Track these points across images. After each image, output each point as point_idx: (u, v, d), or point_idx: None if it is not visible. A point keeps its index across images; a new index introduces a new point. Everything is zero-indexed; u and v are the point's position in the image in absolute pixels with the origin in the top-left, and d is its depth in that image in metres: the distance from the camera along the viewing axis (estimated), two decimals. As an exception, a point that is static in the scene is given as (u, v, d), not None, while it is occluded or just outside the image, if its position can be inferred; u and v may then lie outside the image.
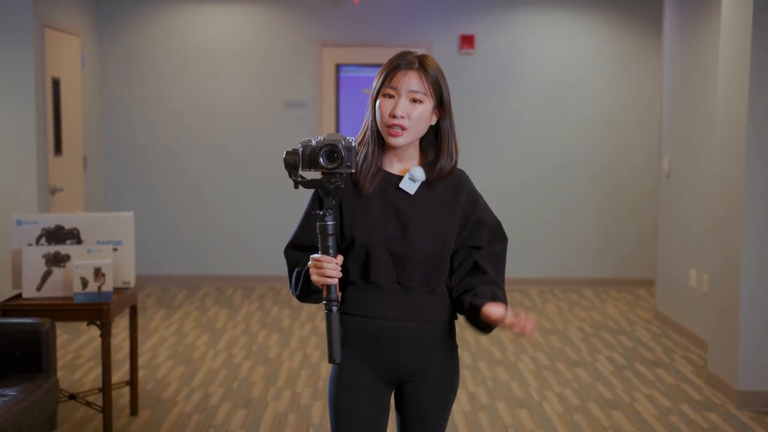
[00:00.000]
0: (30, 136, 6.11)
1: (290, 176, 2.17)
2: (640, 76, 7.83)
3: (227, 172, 7.78)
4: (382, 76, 2.27)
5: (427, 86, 2.25)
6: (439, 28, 7.77)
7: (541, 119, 7.82)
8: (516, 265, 7.82)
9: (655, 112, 7.69)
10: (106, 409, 3.99)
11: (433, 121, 2.29)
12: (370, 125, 2.29)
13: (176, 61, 7.74)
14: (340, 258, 2.16)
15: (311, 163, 2.15)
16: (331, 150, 2.13)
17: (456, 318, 2.36)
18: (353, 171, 2.16)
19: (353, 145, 2.14)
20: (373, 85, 2.30)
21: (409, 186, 2.27)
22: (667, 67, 6.54)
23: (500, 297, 2.28)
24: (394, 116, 2.22)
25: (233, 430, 4.25)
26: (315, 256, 2.15)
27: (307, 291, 2.26)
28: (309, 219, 2.30)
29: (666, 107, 6.54)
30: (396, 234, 2.24)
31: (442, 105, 2.29)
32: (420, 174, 2.26)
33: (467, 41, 7.75)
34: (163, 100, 7.75)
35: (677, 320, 6.20)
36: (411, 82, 2.23)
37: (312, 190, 2.27)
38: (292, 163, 2.16)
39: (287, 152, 2.16)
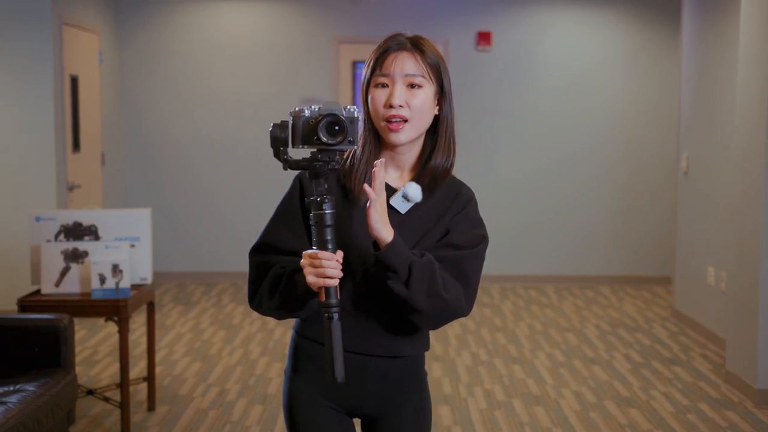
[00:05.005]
0: (48, 133, 6.16)
1: (277, 155, 1.76)
2: (657, 72, 7.79)
3: (244, 169, 7.80)
4: (371, 63, 1.92)
5: (425, 67, 1.90)
6: (455, 25, 7.75)
7: (557, 116, 7.79)
8: (532, 262, 7.81)
9: (671, 108, 7.65)
10: (124, 405, 4.01)
11: (436, 111, 1.94)
12: (365, 123, 1.93)
13: (193, 59, 7.76)
14: (340, 254, 1.76)
15: (306, 138, 1.74)
16: (333, 122, 1.73)
17: (428, 349, 2.04)
18: (356, 147, 1.78)
19: (356, 116, 1.75)
20: (363, 76, 1.95)
21: (401, 205, 1.92)
22: (685, 64, 6.49)
23: (418, 258, 1.83)
24: (391, 106, 1.87)
25: (250, 426, 4.27)
26: (310, 252, 1.75)
27: (290, 300, 1.84)
28: (285, 215, 1.92)
29: (684, 104, 6.50)
30: (373, 255, 1.85)
31: (442, 93, 1.94)
32: (415, 193, 1.90)
33: (484, 38, 7.73)
34: (180, 97, 7.78)
35: (695, 318, 6.17)
36: (405, 64, 1.89)
37: (290, 180, 1.91)
38: (282, 138, 1.76)
39: (275, 125, 1.76)
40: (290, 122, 1.76)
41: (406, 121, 1.88)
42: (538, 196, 7.82)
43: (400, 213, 1.92)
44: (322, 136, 1.72)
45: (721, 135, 5.77)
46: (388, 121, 1.88)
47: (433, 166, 1.93)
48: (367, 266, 1.88)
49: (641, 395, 4.77)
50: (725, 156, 5.64)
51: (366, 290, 1.91)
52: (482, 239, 1.95)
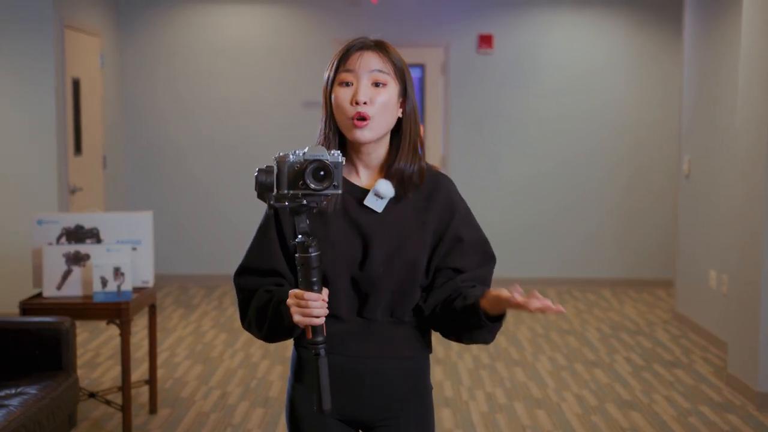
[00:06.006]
0: (50, 136, 6.16)
1: (262, 198, 1.79)
2: (658, 74, 7.79)
3: (246, 172, 7.81)
4: (335, 62, 1.93)
5: (389, 66, 1.91)
6: (457, 28, 7.76)
7: (558, 119, 7.80)
8: (534, 264, 7.81)
9: (673, 110, 7.65)
10: (126, 408, 4.01)
11: (400, 113, 1.94)
12: (327, 125, 1.94)
13: (194, 62, 7.77)
14: (325, 293, 1.80)
15: (292, 184, 1.75)
16: (319, 167, 1.74)
17: (431, 351, 2.05)
18: (340, 191, 1.76)
19: (340, 160, 1.76)
20: (325, 78, 1.95)
21: (376, 203, 1.92)
22: (686, 67, 6.50)
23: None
24: (356, 103, 1.87)
25: (251, 429, 4.27)
26: (296, 291, 1.78)
27: (279, 330, 1.89)
28: (264, 237, 1.96)
29: (685, 107, 6.50)
30: (358, 258, 1.91)
31: (405, 95, 1.94)
32: (387, 189, 1.91)
33: (485, 41, 7.73)
34: (181, 101, 7.79)
35: (696, 321, 6.17)
36: (370, 61, 1.90)
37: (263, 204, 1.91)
38: (268, 184, 1.77)
39: (260, 170, 1.78)
40: (275, 167, 1.77)
41: (369, 118, 1.88)
42: (540, 198, 7.82)
43: (378, 212, 1.93)
44: (309, 182, 1.73)
45: (722, 138, 5.77)
46: (353, 118, 1.88)
47: (397, 170, 1.93)
48: (347, 272, 1.91)
49: (643, 398, 4.76)
50: (727, 159, 5.64)
51: (356, 295, 1.93)
52: (489, 259, 2.01)
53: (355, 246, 1.91)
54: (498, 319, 1.87)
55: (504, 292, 1.77)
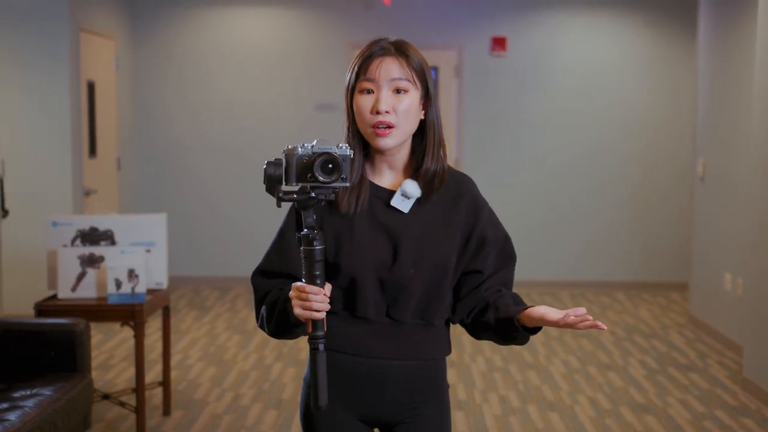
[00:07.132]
0: (65, 139, 6.19)
1: (270, 191, 1.79)
2: (669, 76, 7.76)
3: (259, 176, 7.81)
4: (355, 68, 1.91)
5: (410, 72, 1.90)
6: (470, 31, 7.75)
7: (570, 121, 7.78)
8: (548, 267, 7.79)
9: (685, 112, 7.61)
10: (139, 409, 4.03)
11: (422, 116, 1.94)
12: (349, 130, 1.94)
13: (208, 65, 7.79)
14: (328, 288, 1.81)
15: (300, 176, 1.77)
16: (327, 160, 1.75)
17: (449, 352, 2.05)
18: (348, 185, 1.79)
19: (348, 153, 1.77)
20: (347, 82, 1.93)
21: (402, 203, 1.93)
22: (701, 69, 6.47)
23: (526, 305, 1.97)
24: (377, 112, 1.87)
25: (264, 431, 4.27)
26: (298, 284, 1.79)
27: (284, 326, 1.91)
28: (283, 240, 1.98)
29: (700, 110, 6.48)
30: (386, 259, 1.90)
31: (427, 97, 1.94)
32: (414, 189, 1.92)
33: (499, 43, 7.73)
34: (195, 103, 7.81)
35: (712, 324, 6.14)
36: (391, 69, 1.88)
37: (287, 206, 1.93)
38: (277, 176, 1.78)
39: (269, 163, 1.79)
40: (284, 160, 1.78)
41: (391, 126, 1.88)
42: (553, 200, 7.80)
43: (404, 213, 1.93)
44: (317, 174, 1.75)
45: (737, 140, 5.75)
46: (376, 127, 1.88)
47: (425, 171, 1.94)
48: (375, 273, 1.90)
49: (657, 402, 4.74)
50: (741, 161, 5.61)
51: (384, 298, 1.92)
52: (511, 258, 2.05)
53: (383, 247, 1.91)
54: (536, 330, 1.95)
55: (547, 315, 1.85)
